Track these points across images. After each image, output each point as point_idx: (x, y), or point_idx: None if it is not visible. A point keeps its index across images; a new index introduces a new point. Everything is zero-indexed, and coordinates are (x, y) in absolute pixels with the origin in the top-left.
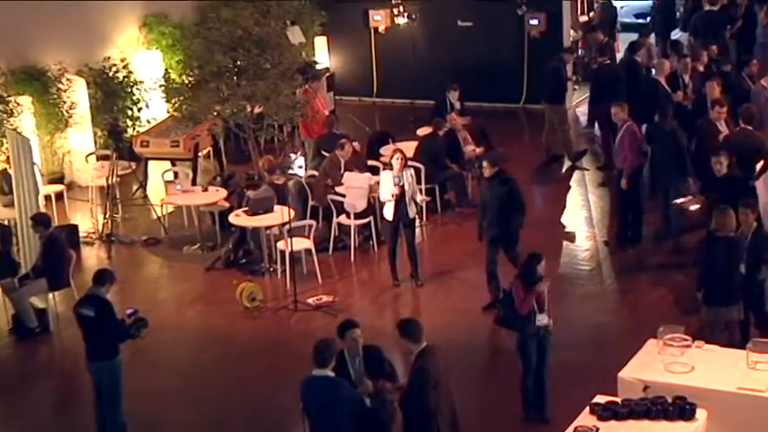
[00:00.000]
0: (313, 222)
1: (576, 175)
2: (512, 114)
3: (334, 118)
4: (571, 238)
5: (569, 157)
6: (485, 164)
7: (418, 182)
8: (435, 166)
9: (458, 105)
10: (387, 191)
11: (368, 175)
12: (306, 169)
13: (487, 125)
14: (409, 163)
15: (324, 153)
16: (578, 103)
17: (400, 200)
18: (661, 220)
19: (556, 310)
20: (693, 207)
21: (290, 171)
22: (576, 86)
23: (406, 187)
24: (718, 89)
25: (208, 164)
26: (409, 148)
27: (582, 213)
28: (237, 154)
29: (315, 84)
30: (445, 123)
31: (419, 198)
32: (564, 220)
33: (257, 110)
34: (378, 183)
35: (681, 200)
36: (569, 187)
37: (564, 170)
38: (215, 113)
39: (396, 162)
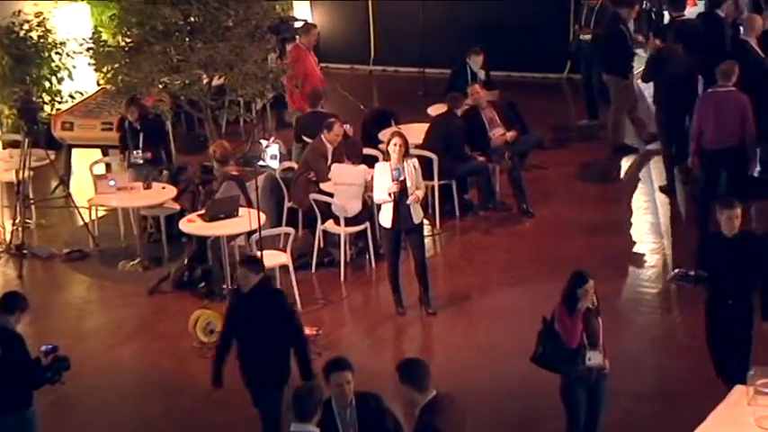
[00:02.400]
0: (291, 230)
1: (639, 166)
2: (553, 88)
3: (320, 91)
4: (632, 251)
5: (642, 139)
6: None
7: (429, 176)
8: (451, 156)
9: (482, 75)
10: (383, 188)
11: (363, 167)
12: (280, 160)
13: (521, 101)
14: (413, 151)
15: (305, 138)
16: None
17: (400, 200)
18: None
19: (613, 345)
20: None
21: (261, 163)
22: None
23: (408, 183)
24: None
25: None
26: (417, 132)
27: (646, 219)
28: (190, 140)
29: (307, 37)
30: (465, 99)
31: (410, 197)
32: (623, 227)
33: (217, 81)
34: (373, 178)
35: None
36: (631, 184)
37: (624, 161)
38: (160, 86)
39: (393, 149)
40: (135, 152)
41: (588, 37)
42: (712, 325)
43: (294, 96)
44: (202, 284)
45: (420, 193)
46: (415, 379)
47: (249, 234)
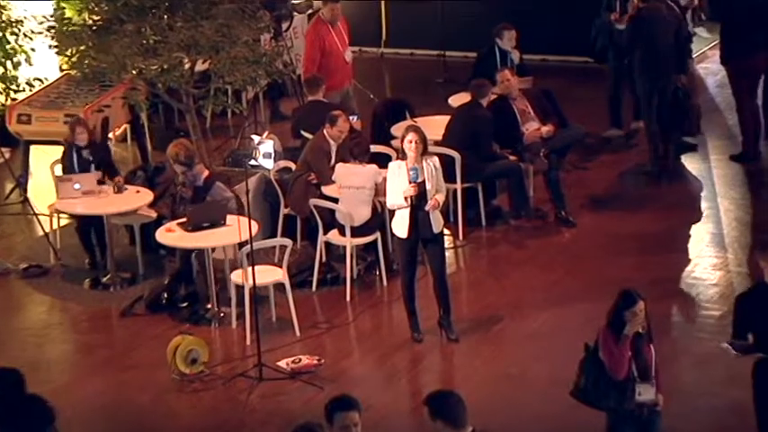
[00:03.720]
0: (288, 242)
1: (697, 166)
2: (596, 74)
3: (320, 78)
4: (690, 267)
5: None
6: None
7: (451, 178)
8: (477, 155)
9: (514, 58)
10: (397, 192)
11: (373, 167)
12: (275, 159)
13: (559, 90)
14: (432, 149)
15: (304, 134)
16: (703, 54)
17: (418, 204)
18: None
19: (667, 378)
20: None
21: (253, 162)
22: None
23: (428, 186)
24: None
25: (123, 150)
26: (436, 126)
27: (706, 228)
28: (169, 135)
29: (330, 9)
30: (493, 87)
31: (429, 203)
32: (680, 239)
33: (200, 66)
34: (385, 179)
35: None
36: (689, 187)
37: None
38: (134, 72)
39: (409, 147)
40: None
41: (623, 26)
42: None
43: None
44: (184, 304)
45: (441, 198)
46: (451, 414)
47: (239, 246)
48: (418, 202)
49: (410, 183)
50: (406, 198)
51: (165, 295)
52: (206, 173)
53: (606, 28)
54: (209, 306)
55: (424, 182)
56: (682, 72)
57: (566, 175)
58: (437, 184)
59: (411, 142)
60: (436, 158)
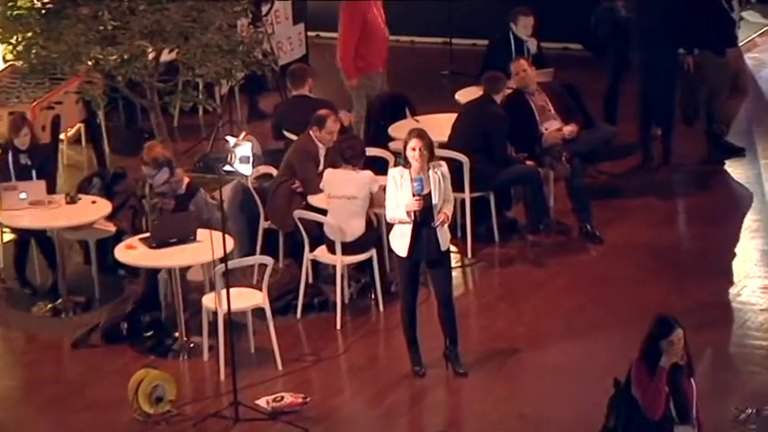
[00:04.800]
0: (269, 260)
1: (744, 173)
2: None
3: (306, 69)
4: (736, 289)
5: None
6: None
7: (458, 186)
8: (489, 159)
9: (531, 47)
10: (398, 203)
11: (367, 174)
12: (254, 164)
13: (584, 84)
14: (439, 152)
15: (287, 134)
16: (751, 41)
17: (423, 220)
18: None
19: (711, 417)
20: None
21: (228, 168)
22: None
23: (434, 199)
24: None
25: (77, 154)
26: (441, 125)
27: (754, 245)
28: (130, 137)
29: None
30: (508, 81)
31: (437, 219)
32: (723, 257)
33: (166, 56)
34: (384, 188)
35: None
36: (734, 197)
37: (725, 166)
38: (89, 63)
39: (413, 156)
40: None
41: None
42: None
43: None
44: (149, 333)
45: (449, 211)
46: None
47: (212, 265)
48: (422, 218)
49: (413, 195)
50: (408, 213)
51: (126, 324)
52: (187, 178)
53: (610, 16)
54: (176, 335)
55: (429, 194)
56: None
57: (591, 183)
58: (445, 195)
59: (415, 150)
60: (444, 166)
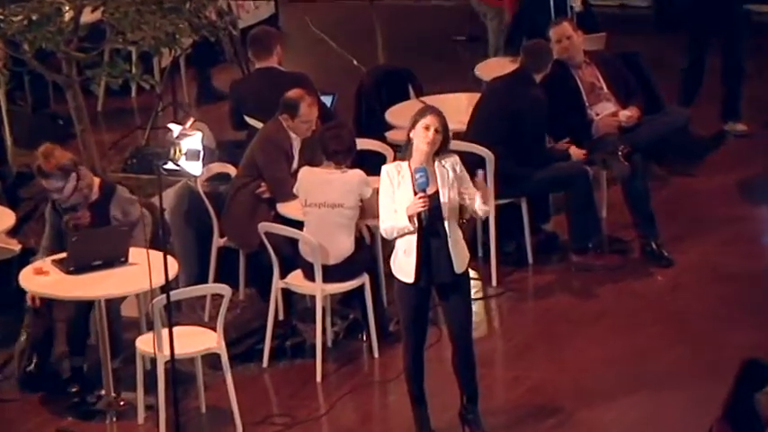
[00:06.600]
0: (226, 289)
1: None
2: None
3: (274, 34)
4: None
5: None
6: None
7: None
8: (521, 154)
9: (576, 5)
10: (396, 208)
11: (357, 174)
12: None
13: (649, 53)
14: (455, 145)
15: (250, 121)
16: None
17: (431, 230)
18: None
19: None
20: None
21: (170, 166)
22: None
23: (442, 198)
24: None
25: None
26: (454, 108)
27: None
28: (39, 124)
29: None
30: (548, 54)
31: (478, 207)
32: None
33: (88, 17)
34: (378, 192)
35: None
36: None
37: None
38: None
39: (425, 136)
40: None
41: None
42: None
43: None
44: (74, 388)
45: (485, 209)
46: None
47: (149, 296)
48: (430, 227)
49: (416, 195)
50: (410, 218)
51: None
52: (97, 179)
53: None
54: (101, 393)
55: (436, 192)
56: None
57: (657, 186)
58: (467, 192)
59: (428, 129)
60: (455, 156)
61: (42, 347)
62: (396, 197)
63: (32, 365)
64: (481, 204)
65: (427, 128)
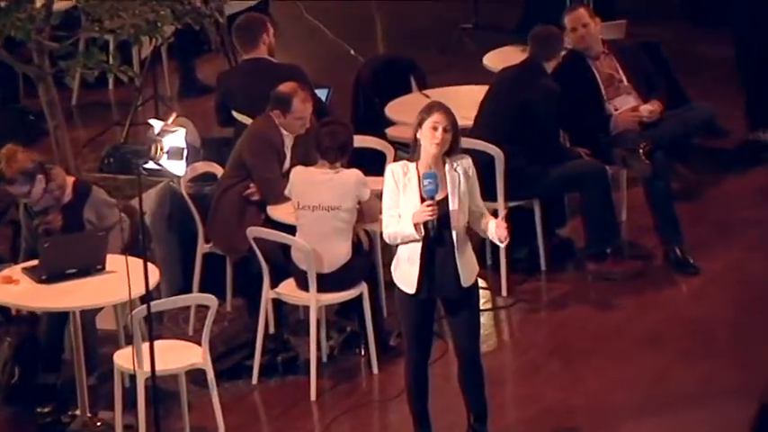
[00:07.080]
0: (211, 300)
1: None
2: None
3: (264, 21)
4: None
5: None
6: None
7: (490, 193)
8: (534, 151)
9: None
10: (401, 213)
11: (354, 174)
12: (189, 159)
13: (672, 42)
14: (465, 142)
15: (237, 116)
16: None
17: (437, 239)
18: None
19: None
20: None
21: (151, 166)
22: None
23: (452, 205)
24: None
25: None
26: (461, 101)
27: None
28: (8, 120)
29: None
30: (558, 40)
31: (493, 231)
32: None
33: (62, 4)
34: (380, 195)
35: None
36: None
37: None
38: None
39: (433, 136)
40: None
41: None
42: None
43: None
44: (46, 410)
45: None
46: None
47: (129, 307)
48: (439, 234)
49: (423, 199)
50: (416, 226)
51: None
52: (71, 179)
53: None
54: (77, 412)
55: (445, 199)
56: None
57: (681, 187)
58: (474, 203)
59: (437, 128)
60: (468, 159)
61: (26, 357)
62: (400, 201)
63: (16, 377)
64: (484, 224)
65: (435, 128)
